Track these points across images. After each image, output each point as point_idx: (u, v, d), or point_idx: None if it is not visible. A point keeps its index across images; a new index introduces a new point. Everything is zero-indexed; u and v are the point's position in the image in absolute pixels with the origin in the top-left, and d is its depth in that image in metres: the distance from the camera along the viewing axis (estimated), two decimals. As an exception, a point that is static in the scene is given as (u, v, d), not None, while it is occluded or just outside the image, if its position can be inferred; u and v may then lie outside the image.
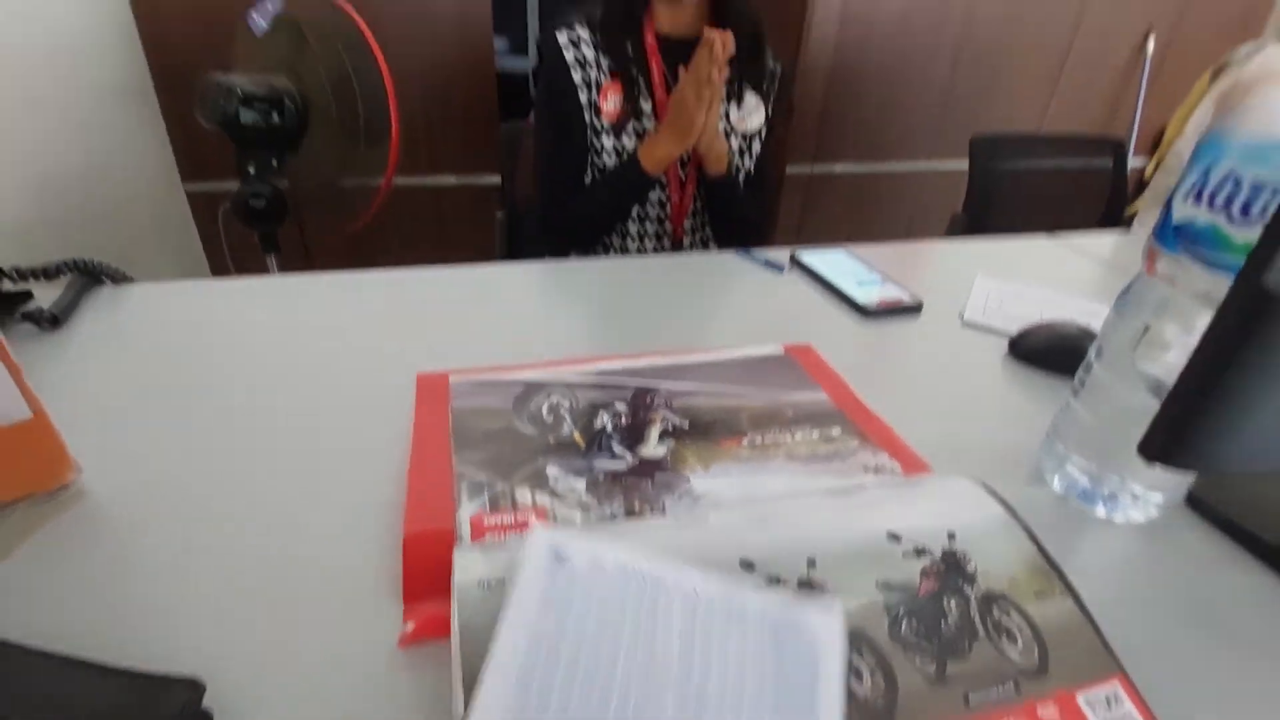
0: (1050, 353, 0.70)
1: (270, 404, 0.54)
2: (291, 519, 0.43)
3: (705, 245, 1.20)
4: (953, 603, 0.37)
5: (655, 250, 1.17)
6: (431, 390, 0.55)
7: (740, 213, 1.14)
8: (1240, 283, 0.35)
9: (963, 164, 1.66)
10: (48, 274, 0.69)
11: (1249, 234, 0.39)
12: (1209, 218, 0.41)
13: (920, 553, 0.39)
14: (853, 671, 0.33)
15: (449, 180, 2.06)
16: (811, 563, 0.37)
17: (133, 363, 0.59)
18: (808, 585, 0.36)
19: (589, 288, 0.81)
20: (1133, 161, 1.68)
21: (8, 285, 0.65)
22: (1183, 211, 0.43)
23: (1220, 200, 0.40)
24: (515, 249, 1.36)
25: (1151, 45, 2.56)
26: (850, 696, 0.32)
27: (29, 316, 0.63)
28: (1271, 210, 0.37)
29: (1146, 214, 1.50)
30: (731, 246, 1.15)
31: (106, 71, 1.55)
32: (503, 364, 0.60)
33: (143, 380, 0.57)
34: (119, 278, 0.73)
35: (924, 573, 0.38)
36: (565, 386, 0.56)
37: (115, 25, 1.60)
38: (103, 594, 0.37)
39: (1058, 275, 0.96)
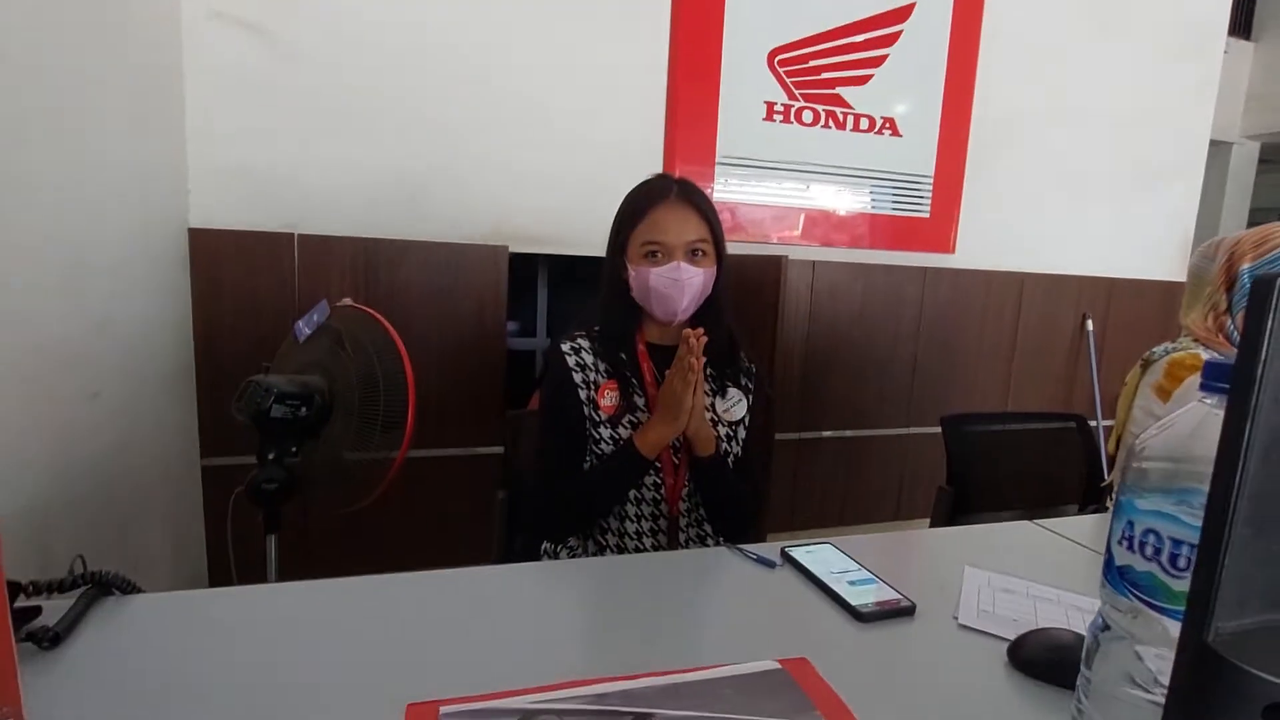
0: (1049, 665, 0.70)
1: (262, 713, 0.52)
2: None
3: (700, 525, 1.24)
4: None
5: (652, 531, 1.20)
6: (421, 724, 0.54)
7: (730, 491, 1.20)
8: (1186, 643, 0.38)
9: (938, 429, 1.77)
10: (62, 587, 0.71)
11: (1184, 584, 0.43)
12: (1146, 566, 0.45)
13: None
14: None
15: (452, 451, 2.16)
16: None
17: (128, 680, 0.59)
18: None
19: (585, 590, 0.83)
20: (1103, 430, 1.80)
21: (21, 600, 0.66)
22: (1122, 557, 0.47)
23: (1149, 551, 0.45)
24: (515, 527, 1.38)
25: (1090, 326, 2.89)
26: None
27: (32, 636, 0.64)
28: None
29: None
30: (724, 523, 1.19)
31: (156, 361, 1.72)
32: (496, 690, 0.59)
33: (137, 698, 0.56)
34: (127, 589, 0.75)
35: None
36: (558, 715, 0.55)
37: (175, 325, 1.82)
38: None
39: (1043, 563, 0.98)
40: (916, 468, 2.69)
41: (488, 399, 2.17)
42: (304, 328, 1.45)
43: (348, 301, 1.53)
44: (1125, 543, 0.47)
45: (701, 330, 1.06)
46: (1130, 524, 0.46)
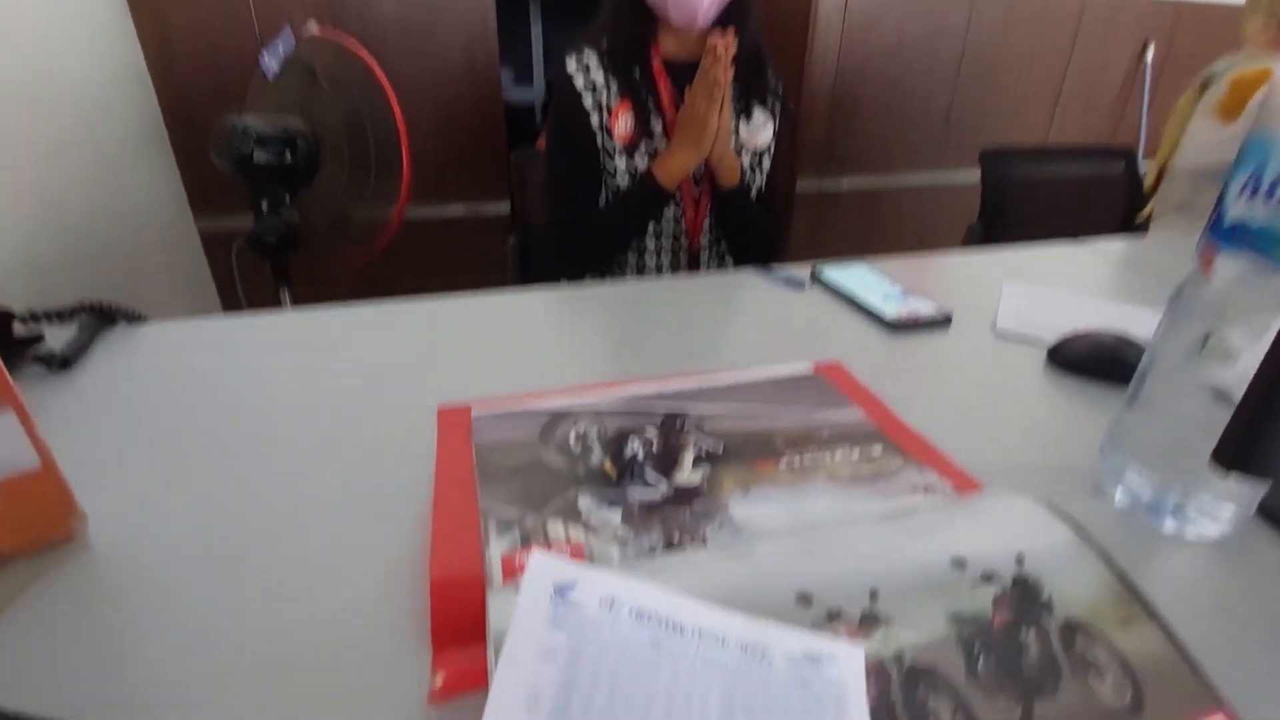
0: (1091, 362, 0.67)
1: (287, 446, 0.52)
2: (310, 567, 0.40)
3: (722, 260, 1.18)
4: (1031, 635, 0.33)
5: (673, 265, 1.15)
6: (453, 424, 0.53)
7: (754, 225, 1.12)
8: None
9: (968, 176, 1.65)
10: (61, 316, 0.67)
11: (1315, 229, 0.36)
12: (1266, 216, 0.38)
13: (988, 579, 0.35)
14: (930, 716, 0.30)
15: (458, 210, 2.06)
16: (874, 594, 0.34)
17: (144, 405, 0.57)
18: (872, 620, 0.33)
19: (608, 311, 0.79)
20: (1144, 167, 1.66)
21: (19, 329, 0.63)
22: (1237, 210, 0.40)
23: (1277, 198, 0.37)
24: (528, 275, 1.34)
25: (1151, 54, 2.56)
26: (930, 746, 0.29)
27: (40, 359, 0.61)
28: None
29: (1164, 219, 1.47)
30: (747, 260, 1.14)
31: (121, 116, 1.56)
32: (526, 393, 0.57)
33: (155, 423, 0.55)
34: (133, 318, 0.71)
35: (996, 602, 0.34)
36: (592, 414, 0.53)
37: (131, 74, 1.62)
38: (105, 656, 0.35)
39: (1084, 281, 0.93)
40: (944, 220, 2.57)
41: (488, 151, 2.01)
42: (270, 61, 1.27)
43: (314, 27, 1.32)
44: (1249, 193, 0.39)
45: (731, 36, 0.89)
46: (1259, 172, 0.38)
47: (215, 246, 1.86)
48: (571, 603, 0.31)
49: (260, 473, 0.48)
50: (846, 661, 0.31)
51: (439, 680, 0.34)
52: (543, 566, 0.32)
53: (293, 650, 0.35)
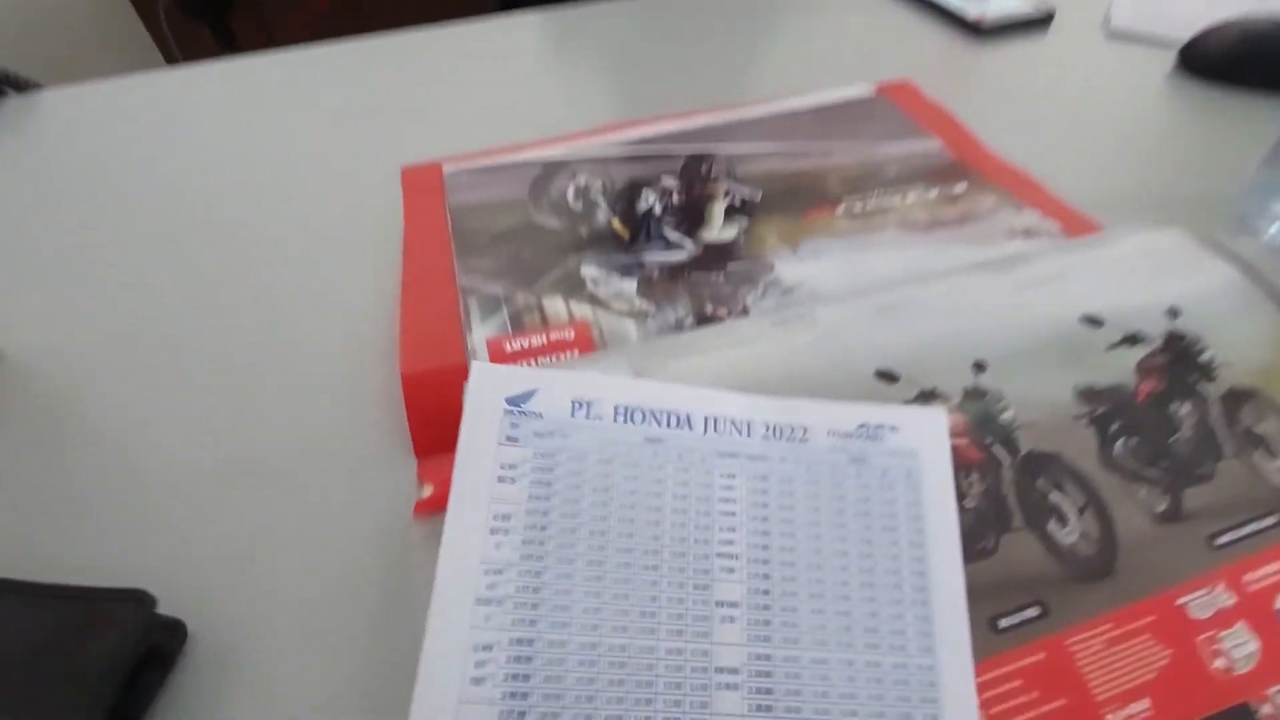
0: (1239, 60, 0.51)
1: (226, 225, 0.42)
2: (262, 370, 0.33)
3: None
4: (1186, 408, 0.25)
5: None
6: (422, 187, 0.42)
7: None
8: None
9: None
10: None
11: None
12: None
13: (1133, 340, 0.26)
14: (1052, 513, 0.23)
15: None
16: (979, 366, 0.25)
17: (51, 188, 0.47)
18: (977, 396, 0.25)
19: (611, 36, 0.62)
20: None
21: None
22: None
23: None
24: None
25: None
26: (1051, 546, 0.22)
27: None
28: None
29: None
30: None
31: None
32: (508, 144, 0.45)
33: (64, 210, 0.45)
34: (24, 85, 0.58)
35: (1141, 369, 0.26)
36: (595, 163, 0.42)
37: None
38: (27, 490, 0.29)
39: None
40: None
41: None
42: None
43: None
44: None
45: None
46: None
47: (149, 13, 1.59)
48: (529, 414, 0.23)
49: (198, 259, 0.39)
50: (921, 428, 0.23)
51: (426, 492, 0.27)
52: (484, 379, 0.24)
53: (247, 464, 0.29)
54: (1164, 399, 0.25)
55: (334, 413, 0.31)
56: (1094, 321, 0.27)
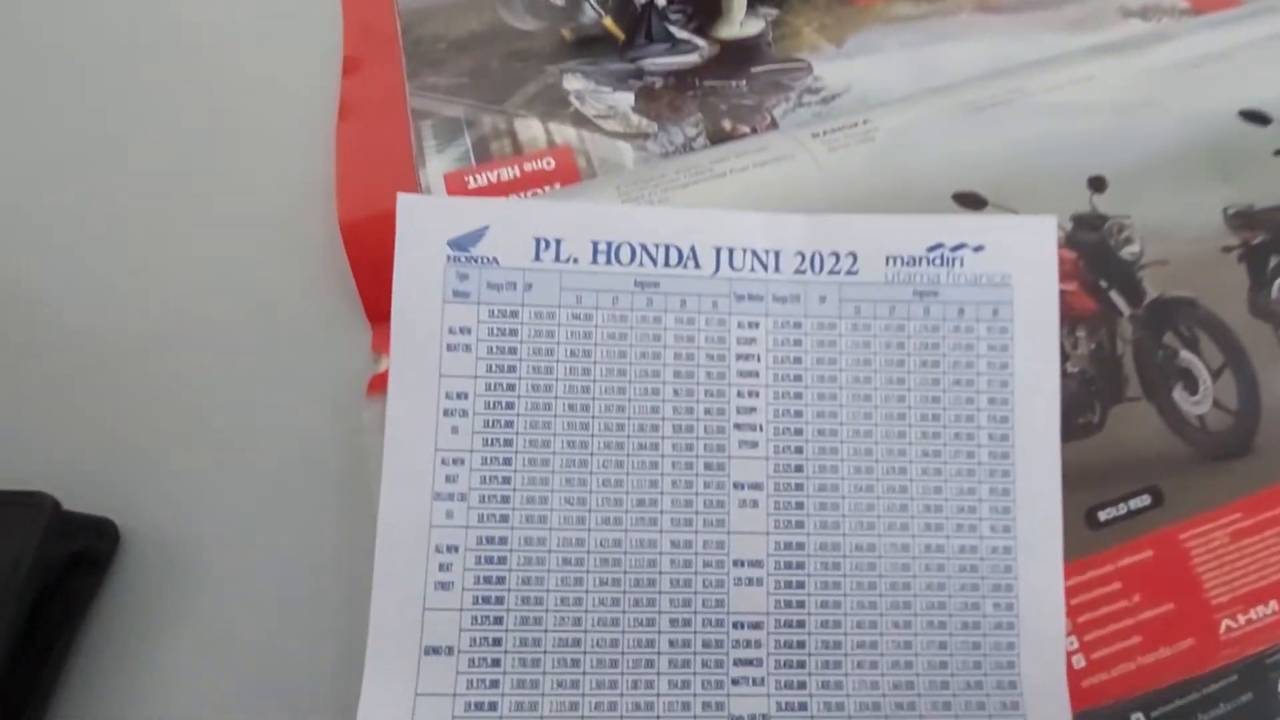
0: None
1: (132, 46, 0.34)
2: (185, 225, 0.27)
3: None
4: (1377, 233, 0.18)
5: None
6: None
7: None
8: None
9: None
10: None
11: None
12: None
13: (1311, 143, 0.19)
14: (1180, 378, 0.17)
15: None
16: (1097, 184, 0.19)
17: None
18: (1093, 224, 0.18)
19: None
20: None
21: None
22: None
23: None
24: None
25: None
26: (1174, 419, 0.17)
27: None
28: None
29: None
30: None
31: None
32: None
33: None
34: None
35: (1321, 182, 0.19)
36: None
37: None
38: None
39: None
40: None
41: None
42: None
43: None
44: None
45: None
46: None
47: None
48: (481, 259, 0.17)
49: (101, 81, 0.32)
50: (1017, 246, 0.17)
51: (383, 365, 0.23)
52: (417, 215, 0.18)
53: (180, 334, 0.25)
54: (1347, 222, 0.18)
55: (274, 275, 0.26)
56: (1258, 118, 0.20)
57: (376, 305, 0.24)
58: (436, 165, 0.25)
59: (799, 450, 0.17)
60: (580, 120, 0.26)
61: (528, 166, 0.25)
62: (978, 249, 0.18)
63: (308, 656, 0.19)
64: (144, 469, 0.22)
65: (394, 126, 0.27)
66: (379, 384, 0.22)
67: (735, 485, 0.17)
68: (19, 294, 0.26)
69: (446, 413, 0.16)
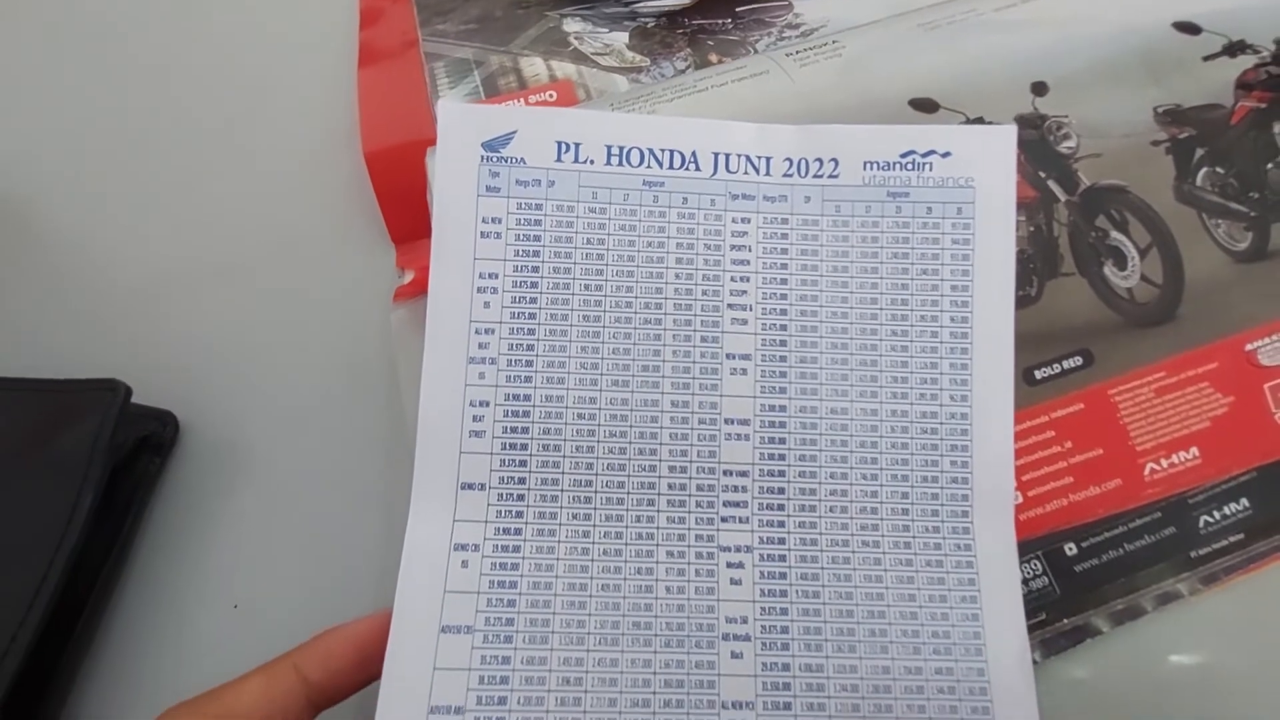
0: None
1: (167, 11, 0.37)
2: (222, 165, 0.31)
3: None
4: (1291, 128, 0.21)
5: None
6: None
7: None
8: None
9: None
10: None
11: None
12: None
13: (1235, 50, 0.22)
14: (1110, 255, 0.20)
15: None
16: (1039, 88, 0.22)
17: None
18: (1034, 124, 0.21)
19: None
20: None
21: None
22: None
23: None
24: None
25: None
26: (1104, 291, 0.20)
27: None
28: None
29: None
30: None
31: None
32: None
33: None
34: None
35: (1241, 84, 0.22)
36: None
37: None
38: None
39: None
40: None
41: None
42: None
43: None
44: None
45: None
46: None
47: None
48: (510, 159, 0.21)
49: (143, 50, 0.35)
50: (980, 151, 0.20)
51: (407, 278, 0.26)
52: (456, 120, 0.21)
53: (224, 260, 0.28)
54: (1265, 119, 0.21)
55: (310, 205, 0.29)
56: (1189, 28, 0.22)
57: (399, 227, 0.27)
58: (451, 100, 0.28)
59: (783, 328, 0.20)
60: (579, 58, 0.29)
61: (533, 99, 0.28)
62: (945, 155, 0.21)
63: (350, 529, 0.23)
64: (200, 372, 0.26)
65: (409, 69, 0.30)
66: (403, 294, 0.26)
67: (728, 356, 0.20)
68: (89, 228, 0.29)
69: (479, 290, 0.20)
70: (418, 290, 0.25)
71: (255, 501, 0.24)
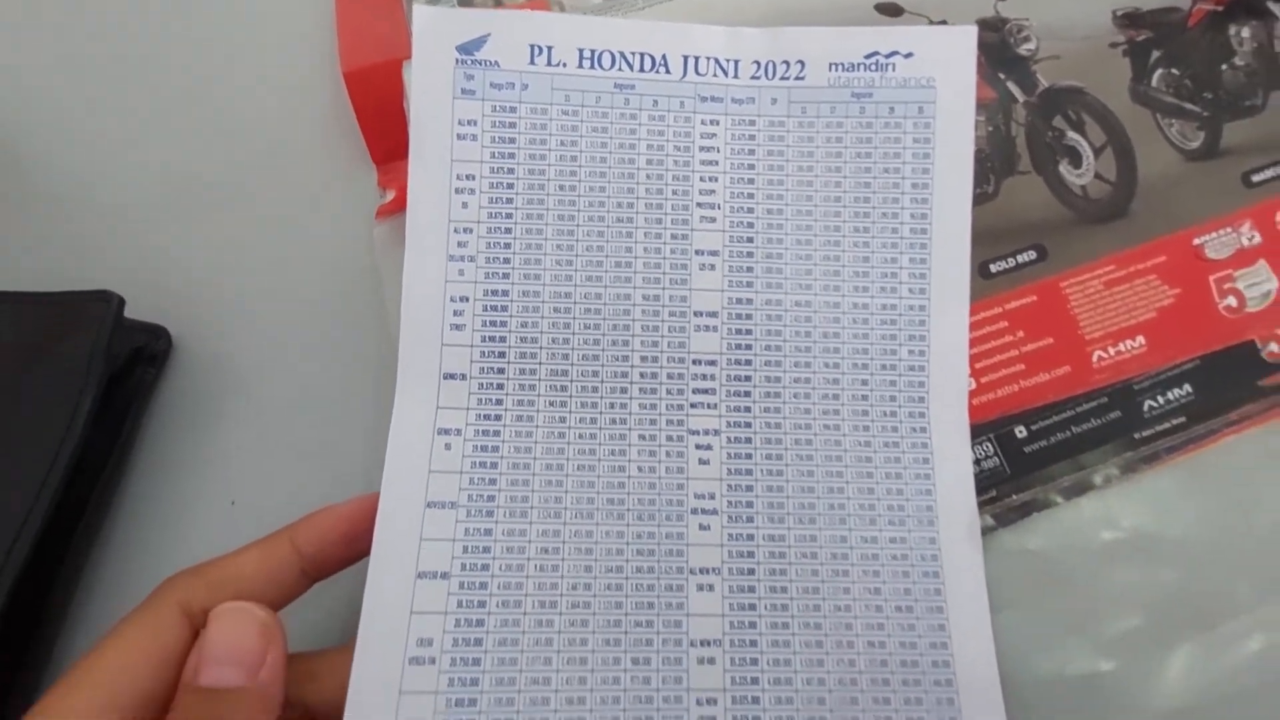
0: None
1: None
2: (203, 89, 0.31)
3: None
4: (1246, 30, 0.22)
5: None
6: None
7: None
8: None
9: None
10: None
11: None
12: None
13: (1196, -48, 0.23)
14: (1066, 154, 0.21)
15: None
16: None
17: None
18: (995, 26, 0.22)
19: None
20: None
21: None
22: None
23: None
24: None
25: None
26: (1059, 188, 0.21)
27: None
28: None
29: None
30: None
31: None
32: None
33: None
34: None
35: (1199, -14, 0.23)
36: None
37: None
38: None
39: None
40: None
41: None
42: None
43: None
44: None
45: None
46: None
47: None
48: (484, 62, 0.21)
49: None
50: (942, 52, 0.21)
51: (388, 197, 0.27)
52: (431, 24, 0.22)
53: (209, 181, 0.29)
54: (1222, 20, 0.22)
55: (288, 127, 0.30)
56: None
57: (381, 147, 0.28)
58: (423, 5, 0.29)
59: (750, 225, 0.22)
60: (555, -32, 0.29)
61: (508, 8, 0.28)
62: (908, 56, 0.21)
63: (339, 430, 0.24)
64: (189, 290, 0.27)
65: (386, -14, 0.30)
66: (385, 211, 0.27)
67: (697, 252, 0.21)
68: (75, 150, 0.30)
69: (457, 191, 0.21)
70: (399, 208, 0.26)
71: (248, 406, 0.25)
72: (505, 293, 0.21)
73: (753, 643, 0.19)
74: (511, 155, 0.21)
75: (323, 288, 0.26)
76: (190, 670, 0.15)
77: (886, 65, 0.22)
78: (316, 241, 0.27)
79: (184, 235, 0.28)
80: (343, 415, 0.24)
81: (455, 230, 0.21)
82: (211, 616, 0.16)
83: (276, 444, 0.24)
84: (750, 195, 0.22)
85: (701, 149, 0.22)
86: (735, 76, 0.22)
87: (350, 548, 0.18)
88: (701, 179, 0.22)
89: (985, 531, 0.20)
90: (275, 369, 0.25)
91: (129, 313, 0.25)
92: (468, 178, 0.21)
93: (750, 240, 0.22)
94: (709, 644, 0.19)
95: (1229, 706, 0.19)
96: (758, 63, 0.22)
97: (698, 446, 0.21)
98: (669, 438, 0.21)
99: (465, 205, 0.21)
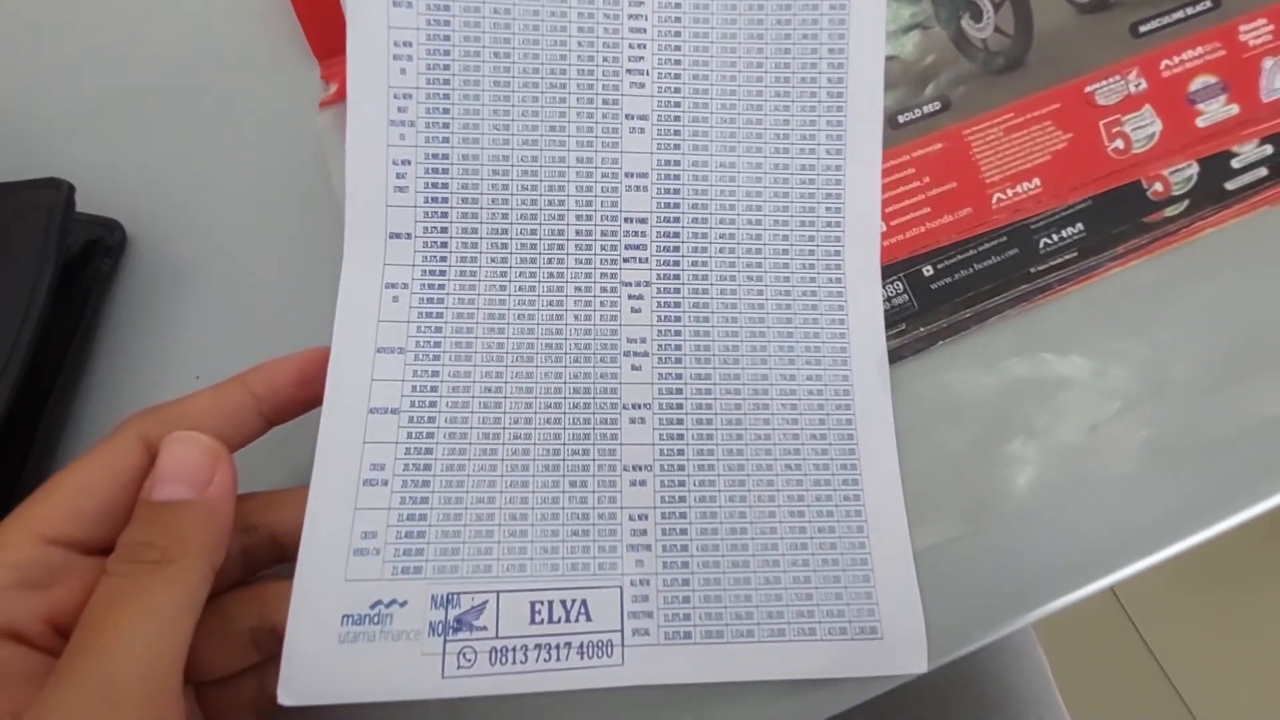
0: None
1: None
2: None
3: None
4: None
5: None
6: None
7: None
8: None
9: None
10: None
11: None
12: None
13: None
14: (967, 9, 0.23)
15: None
16: None
17: None
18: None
19: None
20: None
21: None
22: None
23: None
24: None
25: None
26: (961, 42, 0.23)
27: None
28: None
29: None
30: None
31: None
32: None
33: None
34: None
35: None
36: None
37: None
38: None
39: None
40: None
41: None
42: None
43: None
44: None
45: None
46: None
47: None
48: None
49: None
50: None
51: (331, 90, 0.28)
52: None
53: (152, 83, 0.29)
54: None
55: (232, 25, 0.30)
56: None
57: (322, 43, 0.29)
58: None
59: (677, 90, 0.23)
60: None
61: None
62: None
63: (295, 307, 0.26)
64: (139, 187, 0.28)
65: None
66: (328, 103, 0.28)
67: (627, 116, 0.23)
68: (31, 46, 0.30)
69: (395, 57, 0.22)
70: (341, 98, 0.28)
71: (206, 291, 0.26)
72: (445, 155, 0.22)
73: (680, 467, 0.21)
74: (447, 23, 0.22)
75: (271, 178, 0.27)
76: (146, 489, 0.17)
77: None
78: (262, 134, 0.28)
79: (133, 133, 0.29)
80: (297, 291, 0.25)
81: (395, 96, 0.22)
82: (163, 443, 0.17)
83: (235, 321, 0.26)
84: (677, 63, 0.23)
85: (630, 17, 0.23)
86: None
87: (302, 390, 0.20)
88: (630, 46, 0.23)
89: (894, 361, 0.22)
90: (229, 255, 0.27)
91: (81, 208, 0.26)
92: (405, 45, 0.22)
93: (678, 105, 0.23)
94: (640, 469, 0.21)
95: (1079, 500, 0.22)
96: None
97: (630, 296, 0.22)
98: (603, 289, 0.22)
99: (404, 71, 0.22)
